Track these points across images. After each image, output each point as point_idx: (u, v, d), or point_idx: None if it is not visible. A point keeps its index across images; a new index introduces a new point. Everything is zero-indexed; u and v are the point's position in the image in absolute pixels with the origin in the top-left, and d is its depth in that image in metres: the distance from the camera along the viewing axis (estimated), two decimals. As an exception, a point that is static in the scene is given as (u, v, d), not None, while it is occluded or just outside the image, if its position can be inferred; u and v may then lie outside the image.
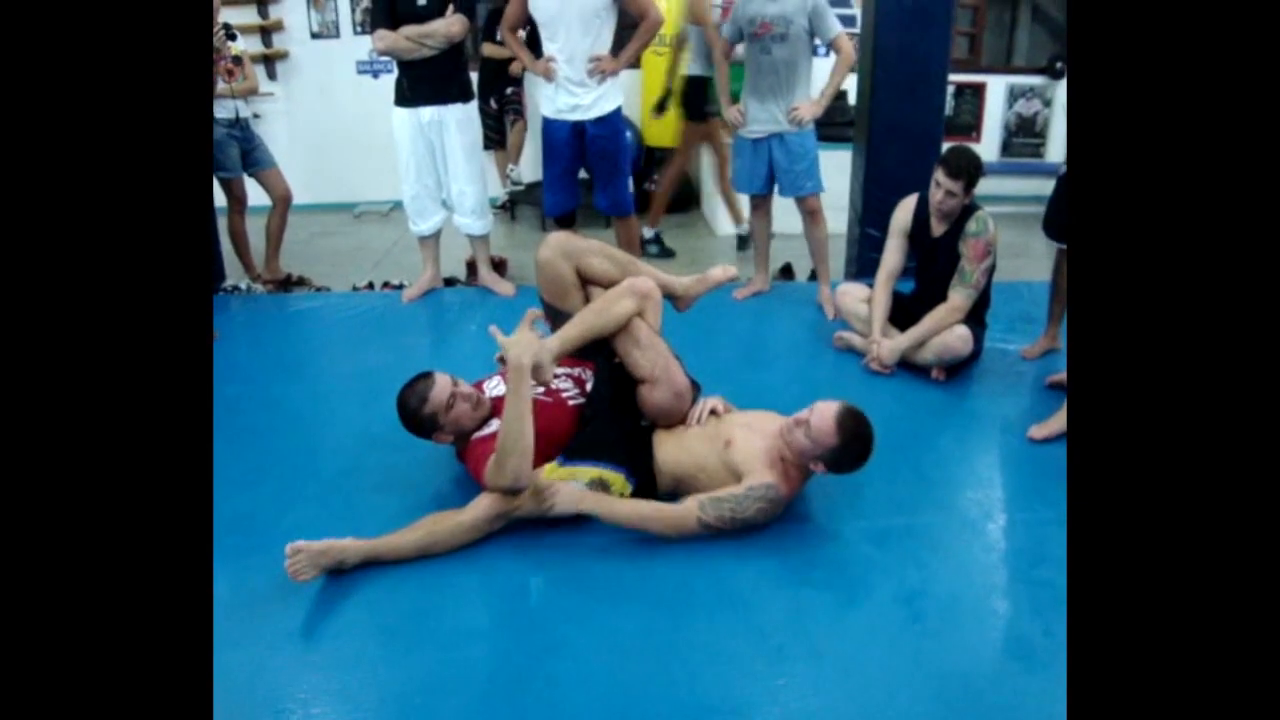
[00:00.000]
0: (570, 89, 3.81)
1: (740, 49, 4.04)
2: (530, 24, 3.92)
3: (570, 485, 2.27)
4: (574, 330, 2.49)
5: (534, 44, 4.10)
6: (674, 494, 2.40)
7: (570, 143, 3.90)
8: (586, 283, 2.66)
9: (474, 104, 4.14)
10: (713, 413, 2.56)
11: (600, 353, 2.61)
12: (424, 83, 3.93)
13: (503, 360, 2.40)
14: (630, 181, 4.16)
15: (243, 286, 4.50)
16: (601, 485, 2.34)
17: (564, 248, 2.64)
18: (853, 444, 2.25)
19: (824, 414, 2.25)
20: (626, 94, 6.16)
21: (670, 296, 2.79)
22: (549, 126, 3.94)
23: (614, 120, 3.92)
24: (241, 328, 3.95)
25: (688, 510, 2.24)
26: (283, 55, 6.40)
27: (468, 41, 4.18)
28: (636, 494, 2.39)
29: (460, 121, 4.02)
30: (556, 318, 2.64)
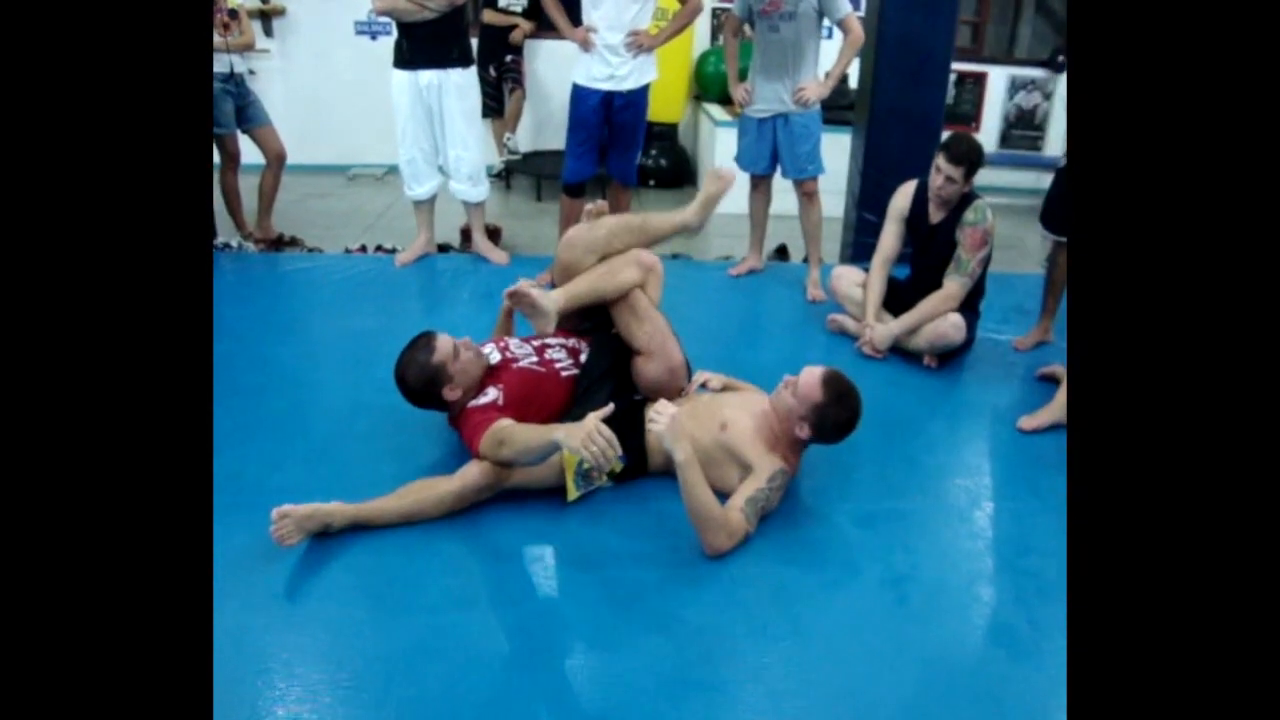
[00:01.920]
0: (607, 59, 3.82)
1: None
2: None
3: (675, 419, 2.09)
4: (581, 288, 2.50)
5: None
6: (664, 473, 2.39)
7: (599, 111, 3.91)
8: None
9: (474, 69, 4.09)
10: (703, 385, 2.60)
11: (599, 325, 2.61)
12: (424, 45, 3.88)
13: (511, 295, 2.44)
14: (639, 155, 4.17)
15: (234, 244, 4.45)
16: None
17: (587, 243, 2.60)
18: (837, 405, 2.26)
19: (810, 373, 2.28)
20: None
21: (688, 229, 2.76)
22: (579, 93, 3.93)
23: (643, 95, 3.95)
24: (232, 285, 3.90)
25: (740, 524, 2.17)
26: (280, 11, 6.31)
27: (468, 6, 4.13)
28: (626, 472, 2.40)
29: (459, 86, 3.97)
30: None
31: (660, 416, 2.09)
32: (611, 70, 3.84)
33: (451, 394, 2.39)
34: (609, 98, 3.89)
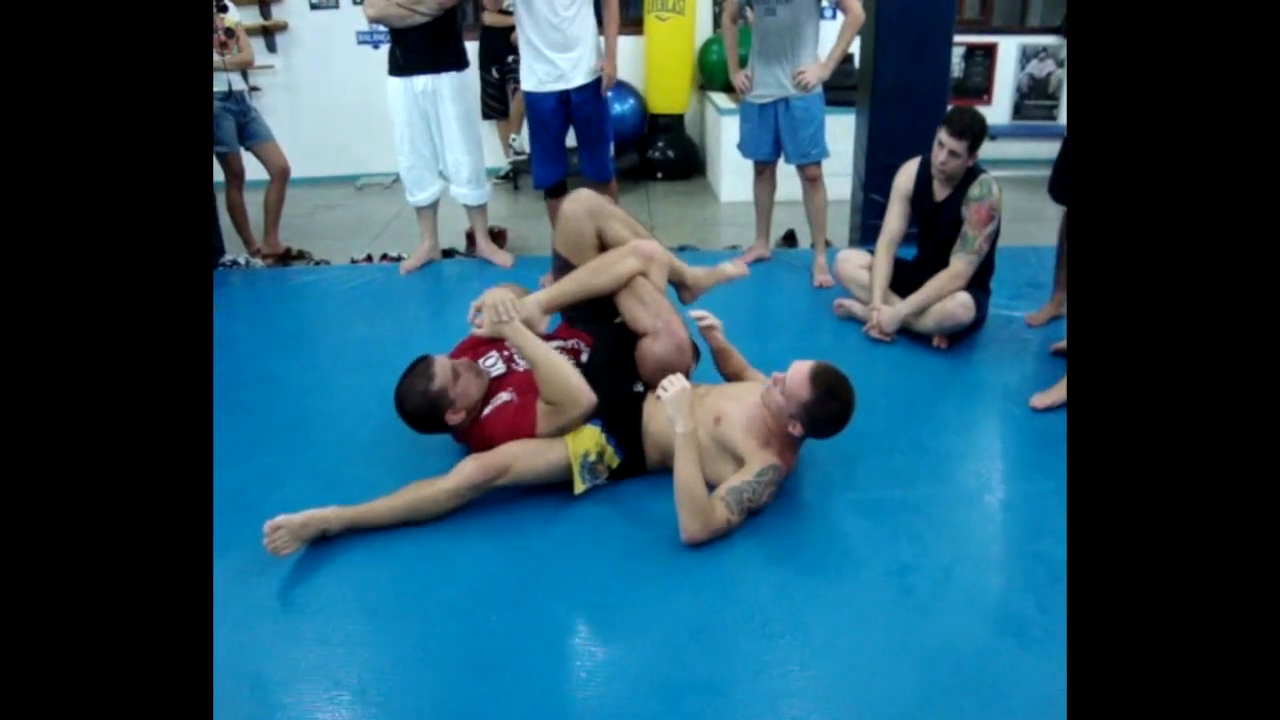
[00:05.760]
0: (549, 58, 3.71)
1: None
2: None
3: (685, 391, 2.12)
4: (568, 286, 2.47)
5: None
6: (662, 470, 2.36)
7: (558, 112, 3.83)
8: (604, 247, 2.62)
9: (469, 72, 4.07)
10: (701, 321, 2.58)
11: (602, 318, 2.58)
12: (417, 51, 3.87)
13: (479, 313, 2.40)
14: (612, 148, 4.09)
15: (241, 261, 4.47)
16: (599, 456, 2.31)
17: (591, 207, 2.61)
18: (826, 400, 2.18)
19: (798, 369, 2.21)
20: (630, 60, 6.09)
21: (679, 284, 2.77)
22: (533, 100, 3.83)
23: (595, 87, 3.81)
24: (239, 303, 3.92)
25: (720, 512, 2.13)
26: (282, 27, 6.33)
27: (464, 9, 4.11)
28: (625, 469, 2.37)
29: (454, 90, 3.95)
30: (566, 270, 2.63)
31: (670, 387, 2.06)
32: (559, 70, 3.73)
33: (454, 418, 2.35)
34: (564, 97, 3.78)
